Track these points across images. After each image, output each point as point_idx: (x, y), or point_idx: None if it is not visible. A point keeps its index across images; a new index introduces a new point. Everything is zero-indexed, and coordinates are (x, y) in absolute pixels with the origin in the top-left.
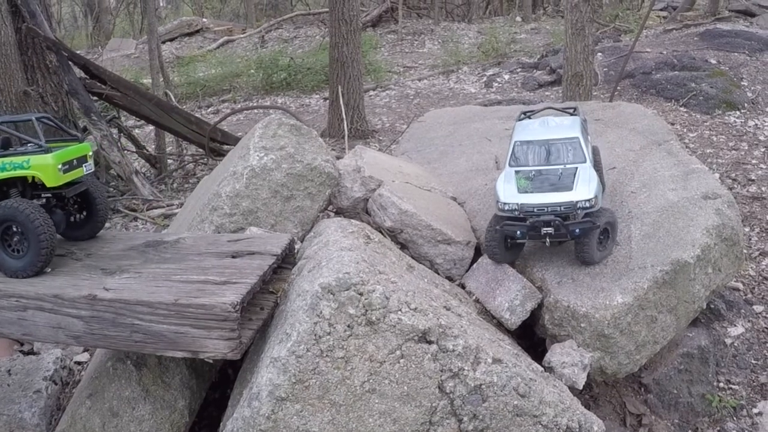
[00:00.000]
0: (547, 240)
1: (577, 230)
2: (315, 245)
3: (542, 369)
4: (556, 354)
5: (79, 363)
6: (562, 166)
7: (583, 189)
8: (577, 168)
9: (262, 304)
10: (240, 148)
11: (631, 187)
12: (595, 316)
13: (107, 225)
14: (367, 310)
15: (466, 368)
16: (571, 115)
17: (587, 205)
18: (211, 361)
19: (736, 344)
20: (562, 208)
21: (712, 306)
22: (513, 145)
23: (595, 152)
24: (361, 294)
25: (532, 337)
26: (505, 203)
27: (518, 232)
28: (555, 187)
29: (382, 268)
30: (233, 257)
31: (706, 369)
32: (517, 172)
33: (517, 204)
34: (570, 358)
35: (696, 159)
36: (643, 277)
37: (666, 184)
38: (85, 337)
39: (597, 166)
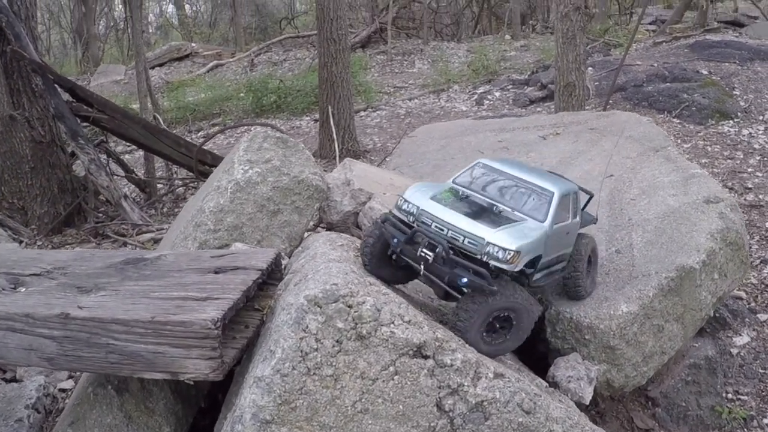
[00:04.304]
0: (421, 267)
1: (464, 279)
2: (302, 259)
3: (546, 384)
4: (560, 368)
5: (63, 390)
6: (509, 209)
7: (507, 236)
8: (525, 221)
9: (247, 321)
10: (225, 163)
11: (630, 194)
12: (599, 327)
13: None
14: (357, 324)
15: (465, 384)
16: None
17: (498, 255)
18: (192, 383)
19: (742, 354)
20: (466, 241)
21: (717, 315)
22: (474, 164)
23: (588, 245)
24: (350, 306)
25: (533, 352)
26: (405, 200)
27: (395, 240)
28: (477, 215)
29: (372, 279)
30: (216, 273)
31: (714, 380)
32: (452, 189)
33: (417, 207)
34: (575, 371)
35: (695, 164)
36: (648, 284)
37: (666, 190)
38: (58, 359)
39: (578, 263)
